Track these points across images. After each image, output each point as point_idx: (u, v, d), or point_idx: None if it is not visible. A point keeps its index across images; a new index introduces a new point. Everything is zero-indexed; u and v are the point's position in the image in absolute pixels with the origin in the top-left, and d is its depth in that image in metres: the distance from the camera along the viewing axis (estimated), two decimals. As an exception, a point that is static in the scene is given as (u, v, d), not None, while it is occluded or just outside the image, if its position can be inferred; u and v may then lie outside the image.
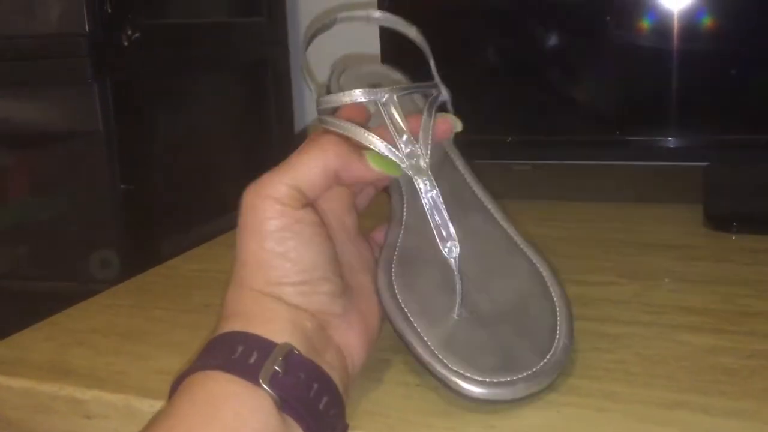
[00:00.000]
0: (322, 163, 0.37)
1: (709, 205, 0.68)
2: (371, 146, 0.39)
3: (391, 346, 0.43)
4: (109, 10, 0.75)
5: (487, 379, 0.36)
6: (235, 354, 0.33)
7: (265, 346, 0.33)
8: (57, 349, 0.47)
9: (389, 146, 0.40)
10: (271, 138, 1.04)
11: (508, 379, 0.36)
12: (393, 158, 0.40)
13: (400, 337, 0.39)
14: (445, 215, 0.40)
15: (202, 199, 0.91)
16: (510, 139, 0.75)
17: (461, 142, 0.77)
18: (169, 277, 0.61)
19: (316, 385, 0.33)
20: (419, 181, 0.40)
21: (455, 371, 0.36)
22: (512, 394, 0.36)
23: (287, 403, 0.32)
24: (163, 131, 0.86)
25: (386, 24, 0.48)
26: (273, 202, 0.35)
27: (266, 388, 0.32)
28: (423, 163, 0.40)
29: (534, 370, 0.36)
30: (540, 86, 0.74)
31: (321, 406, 0.33)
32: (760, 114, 0.67)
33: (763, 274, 0.54)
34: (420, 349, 0.37)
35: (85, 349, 0.47)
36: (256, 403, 0.32)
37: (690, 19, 0.65)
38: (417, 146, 0.40)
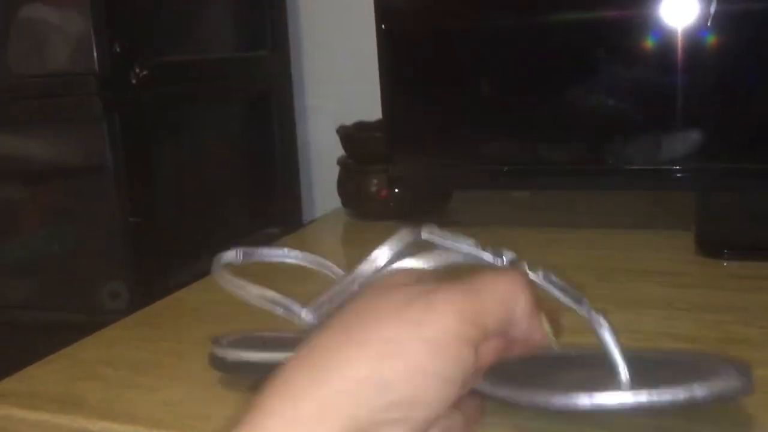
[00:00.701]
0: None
1: (701, 232, 0.69)
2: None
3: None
4: (118, 50, 0.78)
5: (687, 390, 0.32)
6: None
7: None
8: (69, 382, 0.49)
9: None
10: (276, 168, 1.06)
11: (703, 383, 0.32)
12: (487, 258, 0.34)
13: (585, 407, 0.32)
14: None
15: (209, 230, 0.93)
16: (506, 168, 0.76)
17: (462, 171, 0.79)
18: (176, 308, 0.63)
19: None
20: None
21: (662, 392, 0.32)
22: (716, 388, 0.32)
23: None
24: (170, 164, 0.88)
25: None
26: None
27: None
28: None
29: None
30: (536, 116, 0.76)
31: None
32: (751, 142, 0.69)
33: (751, 301, 0.55)
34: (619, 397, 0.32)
35: (95, 382, 0.49)
36: None
37: (680, 52, 0.67)
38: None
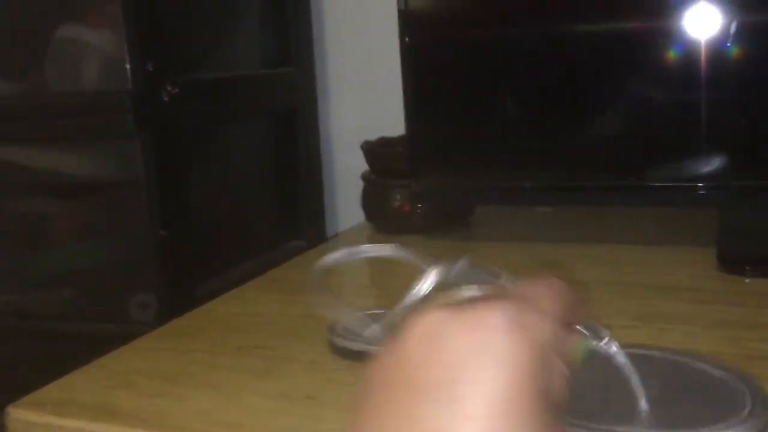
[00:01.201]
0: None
1: (724, 249, 0.70)
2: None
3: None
4: (151, 69, 0.80)
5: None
6: None
7: None
8: (104, 391, 0.51)
9: None
10: (300, 182, 1.08)
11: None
12: None
13: None
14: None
15: (235, 243, 0.95)
16: (530, 184, 0.77)
17: (485, 186, 0.80)
18: (205, 320, 0.65)
19: None
20: None
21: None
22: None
23: None
24: (199, 179, 0.90)
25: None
26: None
27: None
28: None
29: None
30: (560, 132, 0.76)
31: None
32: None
33: (773, 317, 0.56)
34: None
35: (130, 391, 0.51)
36: None
37: (704, 69, 0.68)
38: None
